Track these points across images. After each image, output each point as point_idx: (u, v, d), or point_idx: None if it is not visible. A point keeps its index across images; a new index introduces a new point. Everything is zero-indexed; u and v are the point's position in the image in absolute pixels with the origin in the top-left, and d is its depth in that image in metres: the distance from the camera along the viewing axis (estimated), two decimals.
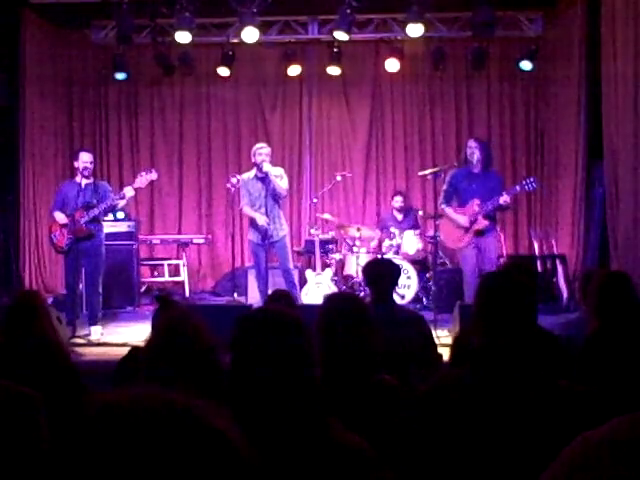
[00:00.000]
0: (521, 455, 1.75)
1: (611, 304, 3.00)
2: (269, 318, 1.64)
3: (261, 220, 6.79)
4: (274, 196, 6.88)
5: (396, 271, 3.88)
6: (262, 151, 6.88)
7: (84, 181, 6.54)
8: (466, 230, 6.40)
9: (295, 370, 1.56)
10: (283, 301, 3.69)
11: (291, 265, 7.22)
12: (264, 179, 6.82)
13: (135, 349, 3.46)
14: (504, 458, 1.77)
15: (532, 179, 6.57)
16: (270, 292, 4.69)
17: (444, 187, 6.61)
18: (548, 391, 1.83)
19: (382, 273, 3.80)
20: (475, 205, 6.34)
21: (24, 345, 3.12)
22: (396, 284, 3.88)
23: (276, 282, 6.98)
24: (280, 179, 6.90)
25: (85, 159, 6.55)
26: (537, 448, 1.72)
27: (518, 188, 6.60)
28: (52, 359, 3.11)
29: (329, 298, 2.48)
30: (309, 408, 1.57)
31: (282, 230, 7.00)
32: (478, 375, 1.87)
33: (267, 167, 6.75)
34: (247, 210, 6.99)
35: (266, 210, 6.79)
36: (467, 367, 1.94)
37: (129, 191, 6.48)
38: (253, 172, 6.98)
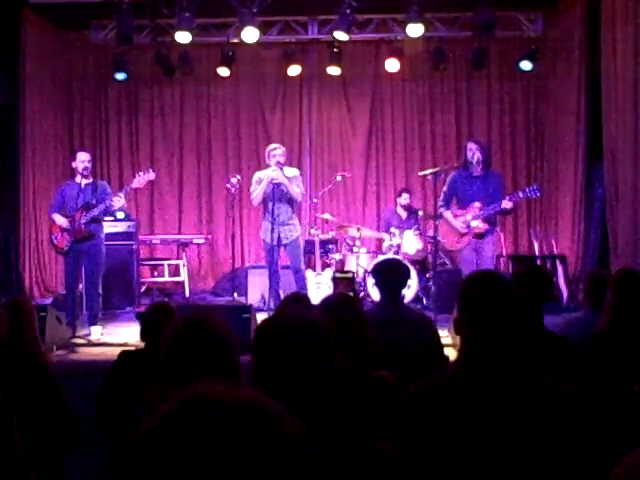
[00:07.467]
0: (508, 456, 1.74)
1: (625, 301, 3.04)
2: (289, 322, 1.69)
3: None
4: (288, 199, 6.79)
5: (406, 272, 3.83)
6: (276, 152, 6.75)
7: (84, 181, 6.52)
8: (464, 233, 6.45)
9: (313, 369, 1.61)
10: (302, 303, 3.65)
11: (303, 266, 7.14)
12: (278, 182, 6.70)
13: (124, 353, 3.45)
14: (491, 459, 1.76)
15: (535, 187, 6.56)
16: (286, 295, 4.66)
17: (444, 189, 6.63)
18: (533, 389, 1.82)
19: (392, 274, 3.74)
20: (476, 208, 6.39)
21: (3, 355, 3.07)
22: (405, 285, 3.83)
23: (283, 282, 6.99)
24: (294, 181, 6.78)
25: (83, 159, 6.53)
26: (524, 448, 1.72)
27: (521, 195, 6.58)
28: (31, 370, 3.06)
29: (325, 300, 2.49)
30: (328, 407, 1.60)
31: (295, 232, 6.90)
32: (463, 377, 1.87)
33: (279, 171, 6.66)
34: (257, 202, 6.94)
35: (273, 212, 6.67)
36: (453, 369, 1.94)
37: (117, 201, 6.40)
38: (270, 171, 6.83)
